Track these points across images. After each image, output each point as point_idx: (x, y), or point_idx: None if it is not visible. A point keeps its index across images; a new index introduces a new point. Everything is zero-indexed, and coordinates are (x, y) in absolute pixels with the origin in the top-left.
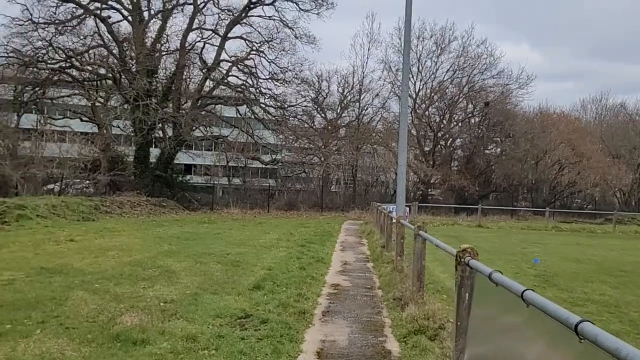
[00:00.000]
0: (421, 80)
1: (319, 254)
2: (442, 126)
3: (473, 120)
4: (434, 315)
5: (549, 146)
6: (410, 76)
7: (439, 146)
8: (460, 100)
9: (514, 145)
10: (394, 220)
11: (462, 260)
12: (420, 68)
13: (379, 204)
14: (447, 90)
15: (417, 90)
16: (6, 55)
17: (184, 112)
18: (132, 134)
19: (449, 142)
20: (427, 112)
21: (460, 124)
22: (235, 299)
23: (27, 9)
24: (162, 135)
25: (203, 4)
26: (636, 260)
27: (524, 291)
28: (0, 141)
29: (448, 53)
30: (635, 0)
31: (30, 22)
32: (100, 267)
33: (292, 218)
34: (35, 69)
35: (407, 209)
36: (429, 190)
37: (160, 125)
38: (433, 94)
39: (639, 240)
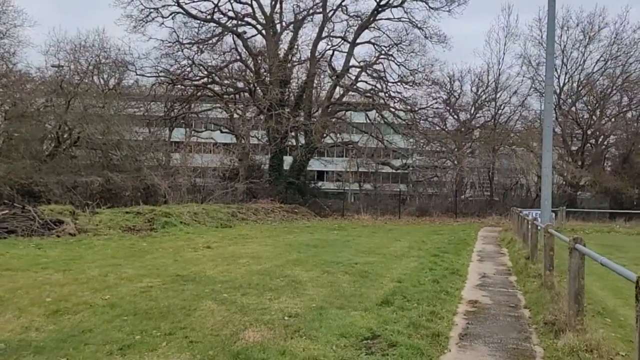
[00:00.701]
0: (566, 74)
1: (453, 264)
2: (592, 122)
3: (629, 114)
4: (599, 346)
5: None
6: (554, 69)
7: (588, 144)
8: (613, 92)
9: None
10: (539, 229)
11: None
12: (565, 60)
13: (519, 209)
14: (597, 83)
15: (561, 85)
16: (157, 74)
17: (314, 119)
18: (267, 143)
19: (600, 140)
20: (573, 108)
21: (613, 119)
22: (362, 314)
23: (174, 31)
24: (294, 143)
25: (332, 12)
26: None
27: None
28: (153, 154)
29: (597, 41)
30: None
31: (177, 42)
32: (230, 275)
33: (423, 224)
34: (181, 86)
35: (553, 214)
36: (577, 193)
37: (293, 133)
38: (580, 88)
39: None
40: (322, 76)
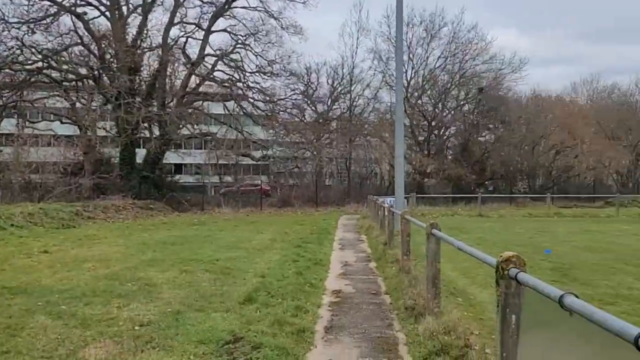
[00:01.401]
0: (412, 68)
1: (316, 254)
2: (435, 114)
3: (466, 107)
4: (455, 328)
5: (544, 131)
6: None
7: (433, 135)
8: (453, 87)
9: (509, 131)
10: (397, 215)
11: (506, 272)
12: (411, 56)
13: (375, 196)
14: (439, 78)
15: (408, 79)
16: None
17: (169, 110)
18: (116, 135)
19: (442, 131)
20: (419, 101)
21: (453, 112)
22: (224, 316)
23: None
24: (147, 135)
25: None
26: None
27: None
28: None
29: (438, 39)
30: None
31: (2, 21)
32: (71, 282)
33: (286, 215)
34: (10, 70)
35: (405, 200)
36: (425, 179)
37: (145, 124)
38: (425, 82)
39: None
40: (176, 64)
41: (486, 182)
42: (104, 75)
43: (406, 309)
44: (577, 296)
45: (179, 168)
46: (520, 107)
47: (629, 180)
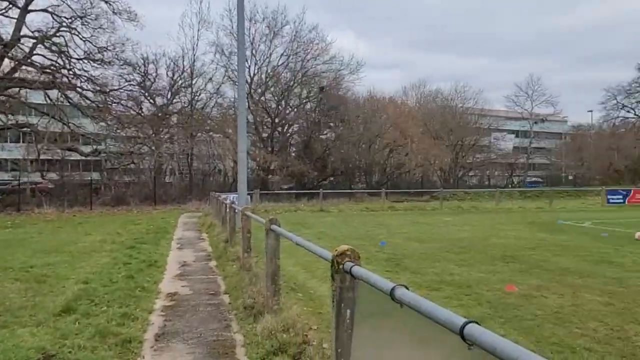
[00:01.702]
0: (255, 64)
1: (151, 255)
2: (279, 112)
3: (308, 106)
4: (294, 324)
5: (379, 130)
6: (245, 60)
7: (276, 132)
8: (295, 85)
9: (348, 130)
10: (237, 212)
11: (341, 266)
12: (254, 52)
13: (218, 193)
14: (282, 76)
15: (251, 75)
16: None
17: None
18: None
19: (286, 128)
20: (263, 98)
21: (296, 109)
22: (33, 331)
23: None
24: None
25: None
26: (469, 236)
27: (465, 325)
28: None
29: (281, 37)
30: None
31: None
32: None
33: (120, 214)
34: None
35: (249, 197)
36: (269, 176)
37: None
38: (268, 79)
39: (464, 214)
40: None
41: (328, 179)
42: None
43: (245, 308)
44: (407, 288)
45: None
46: (357, 107)
47: (450, 177)
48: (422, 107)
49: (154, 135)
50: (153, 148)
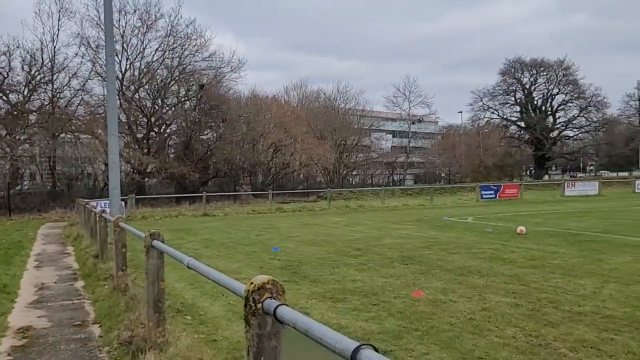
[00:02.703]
0: (127, 59)
1: (0, 278)
2: (155, 110)
3: (187, 104)
4: None
5: (263, 129)
6: (115, 54)
7: (153, 132)
8: (172, 82)
9: (231, 129)
10: (109, 222)
11: (260, 305)
12: (125, 46)
13: (86, 200)
14: (157, 72)
15: (123, 70)
16: None
17: None
18: None
19: (163, 128)
20: (136, 95)
21: (173, 108)
22: None
23: None
24: None
25: None
26: (363, 236)
27: None
28: None
29: (155, 31)
30: (323, 3)
31: None
32: None
33: None
34: None
35: (123, 203)
36: (145, 179)
37: None
38: (142, 76)
39: (353, 214)
40: None
41: (211, 180)
42: None
43: (121, 344)
44: (376, 350)
45: None
46: (240, 106)
47: (335, 176)
48: (304, 107)
49: (7, 136)
50: (7, 150)
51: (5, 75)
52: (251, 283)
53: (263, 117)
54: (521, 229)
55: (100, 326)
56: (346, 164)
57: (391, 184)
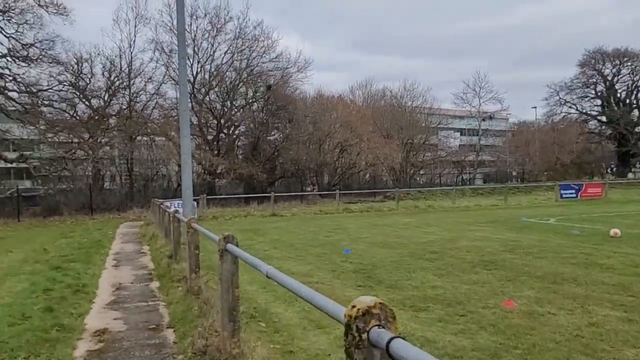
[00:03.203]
0: (198, 62)
1: (80, 277)
2: (224, 112)
3: (255, 105)
4: None
5: (329, 129)
6: (187, 58)
7: (222, 134)
8: (240, 84)
9: (297, 130)
10: (182, 222)
11: (364, 336)
12: (196, 49)
13: (160, 200)
14: (226, 75)
15: (194, 74)
16: None
17: None
18: None
19: (232, 129)
20: (207, 98)
21: (241, 110)
22: None
23: None
24: None
25: None
26: (437, 239)
27: None
28: None
29: (224, 34)
30: (387, 1)
31: None
32: None
33: (51, 226)
34: None
35: (195, 203)
36: (215, 180)
37: None
38: (212, 78)
39: (422, 215)
40: None
41: (278, 181)
42: None
43: (195, 353)
44: None
45: None
46: (306, 106)
47: (401, 175)
48: (370, 106)
49: (90, 139)
50: (90, 153)
51: (88, 82)
52: (353, 306)
53: (329, 116)
54: (615, 231)
55: (174, 331)
56: (413, 163)
57: (460, 183)
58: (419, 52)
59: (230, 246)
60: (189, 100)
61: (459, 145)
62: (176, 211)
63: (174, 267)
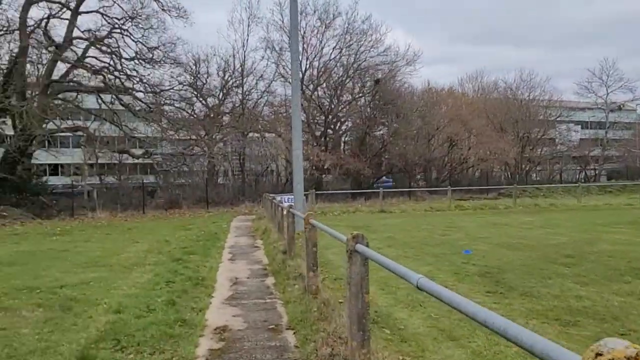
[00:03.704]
0: (307, 59)
1: (199, 270)
2: (331, 108)
3: (362, 100)
4: None
5: (439, 123)
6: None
7: (329, 129)
8: (348, 79)
9: (405, 124)
10: (297, 217)
11: None
12: (305, 46)
13: (272, 195)
14: (334, 70)
15: (303, 70)
16: None
17: (34, 101)
18: None
19: (338, 125)
20: (315, 94)
21: (349, 105)
22: None
23: None
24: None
25: None
26: (569, 241)
27: None
28: None
29: (333, 30)
30: None
31: None
32: None
33: (172, 218)
34: None
35: (304, 197)
36: (323, 175)
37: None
38: (320, 74)
39: (544, 214)
40: (43, 51)
41: (385, 176)
42: None
43: None
44: None
45: (56, 169)
46: (414, 100)
47: (516, 171)
48: (481, 98)
49: (206, 136)
50: (206, 149)
51: (205, 82)
52: (598, 354)
53: (438, 110)
54: None
55: (294, 333)
56: (530, 158)
57: (582, 180)
58: (533, 42)
59: (360, 246)
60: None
61: (580, 139)
62: (290, 206)
63: (289, 264)
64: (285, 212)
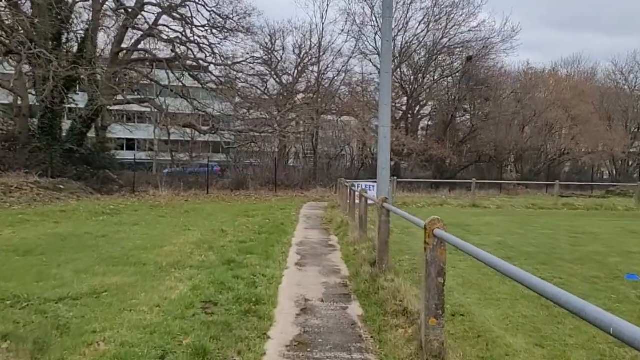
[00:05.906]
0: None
1: (255, 282)
2: (415, 88)
3: (451, 79)
4: None
5: (538, 107)
6: (378, 29)
7: (411, 111)
8: (435, 57)
9: (498, 108)
10: (389, 210)
11: None
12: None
13: (350, 181)
14: (420, 46)
15: None
16: None
17: (104, 69)
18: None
19: (418, 108)
20: (398, 71)
21: (436, 84)
22: None
23: None
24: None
25: None
26: None
27: None
28: None
29: (420, 2)
30: None
31: None
32: None
33: (236, 201)
34: None
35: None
36: (401, 161)
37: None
38: (405, 50)
39: None
40: (116, 20)
41: (472, 165)
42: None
43: None
44: None
45: (131, 144)
46: (509, 81)
47: (624, 167)
48: (588, 81)
49: (278, 115)
50: (277, 128)
51: (279, 59)
52: None
53: (536, 93)
54: None
55: None
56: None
57: None
58: (625, 30)
59: None
60: (378, 73)
61: None
62: (385, 200)
63: (382, 284)
64: (377, 207)
